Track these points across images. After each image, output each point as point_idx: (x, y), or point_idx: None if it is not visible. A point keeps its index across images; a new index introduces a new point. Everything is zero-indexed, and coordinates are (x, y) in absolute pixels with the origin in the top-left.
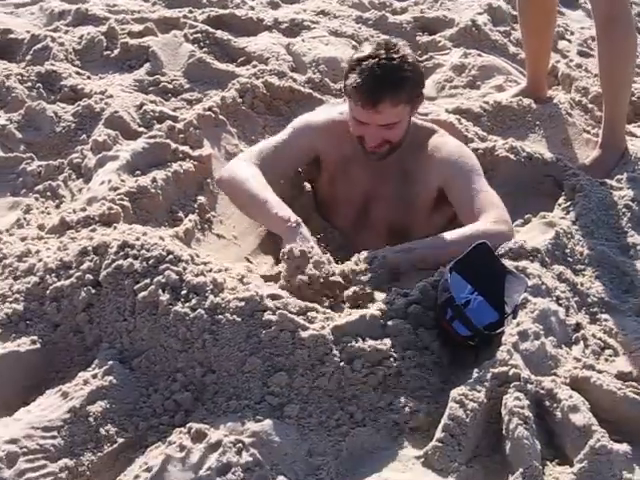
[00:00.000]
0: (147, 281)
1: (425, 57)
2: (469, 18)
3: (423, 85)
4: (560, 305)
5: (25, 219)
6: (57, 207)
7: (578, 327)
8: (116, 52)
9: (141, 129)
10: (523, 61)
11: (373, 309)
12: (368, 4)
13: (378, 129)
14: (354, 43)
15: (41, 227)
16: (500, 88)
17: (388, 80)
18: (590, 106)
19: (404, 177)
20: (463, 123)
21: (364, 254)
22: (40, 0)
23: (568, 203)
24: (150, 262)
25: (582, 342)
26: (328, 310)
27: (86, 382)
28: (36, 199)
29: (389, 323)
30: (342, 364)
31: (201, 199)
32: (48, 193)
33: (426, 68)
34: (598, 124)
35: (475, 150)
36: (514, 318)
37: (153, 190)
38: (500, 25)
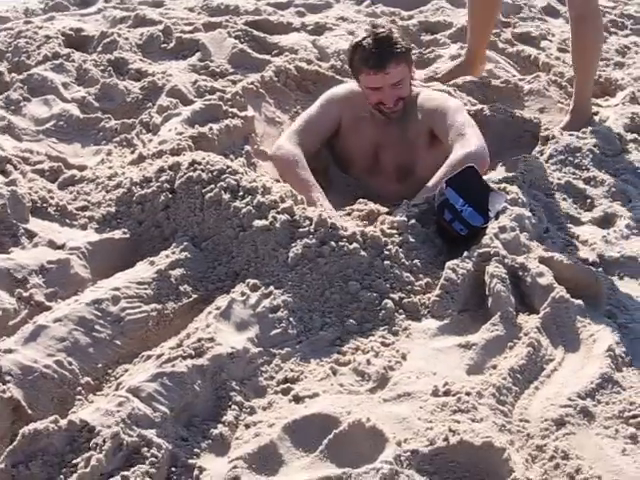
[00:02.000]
0: (212, 186)
1: (428, 51)
2: (466, 21)
3: (411, 49)
4: (533, 214)
5: (108, 159)
6: (132, 152)
7: (547, 230)
8: (172, 45)
9: (196, 99)
10: (510, 54)
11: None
12: (380, 12)
13: (391, 89)
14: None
15: (122, 166)
16: (490, 73)
17: (387, 46)
18: (564, 84)
19: (403, 126)
20: (458, 93)
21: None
22: (102, 10)
23: (542, 148)
24: (214, 173)
25: (550, 240)
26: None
27: (167, 256)
28: (115, 147)
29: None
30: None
31: (247, 147)
32: (124, 143)
33: (429, 59)
34: (570, 97)
35: (468, 112)
36: (496, 219)
37: (210, 136)
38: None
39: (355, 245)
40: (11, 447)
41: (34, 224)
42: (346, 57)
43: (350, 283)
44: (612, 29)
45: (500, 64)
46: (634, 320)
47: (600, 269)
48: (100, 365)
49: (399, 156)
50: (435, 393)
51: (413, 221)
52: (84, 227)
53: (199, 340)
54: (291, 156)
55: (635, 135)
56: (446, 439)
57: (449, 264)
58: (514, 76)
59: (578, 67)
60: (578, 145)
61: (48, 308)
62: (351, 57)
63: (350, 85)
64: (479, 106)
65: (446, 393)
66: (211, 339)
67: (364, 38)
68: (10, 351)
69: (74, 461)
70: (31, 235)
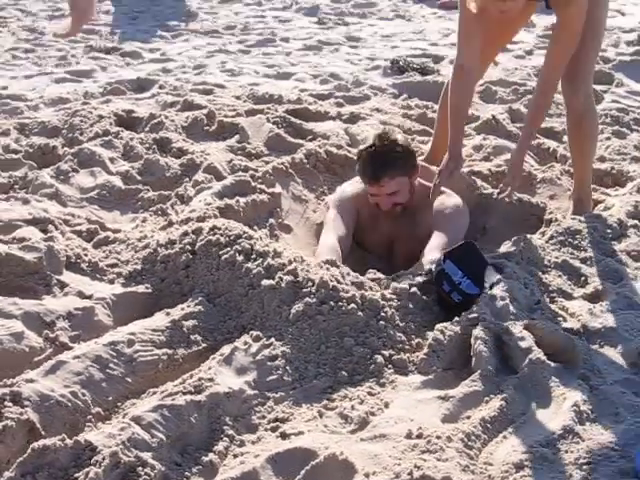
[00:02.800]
0: (228, 248)
1: None
2: (491, 114)
3: (415, 159)
4: (527, 287)
5: (142, 225)
6: (165, 220)
7: (538, 302)
8: (213, 127)
9: (230, 176)
10: (531, 146)
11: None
12: (414, 106)
13: (386, 197)
14: (398, 130)
15: (152, 230)
16: (509, 162)
17: (382, 162)
18: None
19: (415, 224)
20: (472, 179)
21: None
22: (156, 95)
23: (545, 230)
24: (231, 237)
25: (539, 311)
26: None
27: (182, 309)
28: (150, 215)
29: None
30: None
31: (271, 220)
32: (159, 212)
33: None
34: None
35: (480, 195)
36: (490, 290)
37: (236, 207)
38: (517, 122)
39: (353, 306)
40: (21, 459)
41: (67, 276)
42: None
43: (345, 339)
44: (634, 126)
45: None
46: (605, 383)
47: (582, 338)
48: (111, 398)
49: (411, 247)
50: (408, 436)
51: (414, 289)
52: (112, 281)
53: (200, 379)
54: (327, 244)
55: (636, 221)
56: (410, 473)
57: (438, 326)
58: (532, 166)
59: (577, 160)
60: (579, 228)
61: (71, 348)
62: (356, 163)
63: (358, 184)
64: (490, 190)
65: (418, 436)
66: (211, 379)
67: (366, 148)
68: (31, 381)
69: (76, 475)
70: (63, 286)
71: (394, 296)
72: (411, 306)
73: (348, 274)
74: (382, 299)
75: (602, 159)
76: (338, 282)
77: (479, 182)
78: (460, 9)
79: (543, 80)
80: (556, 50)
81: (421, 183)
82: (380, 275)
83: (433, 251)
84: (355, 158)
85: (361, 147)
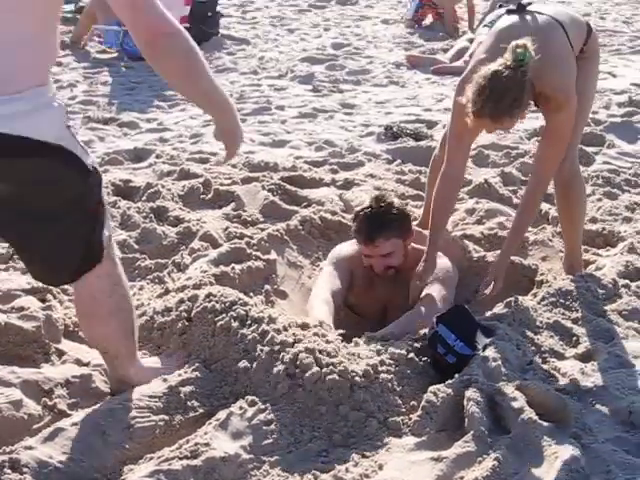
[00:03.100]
0: (224, 315)
1: None
2: (483, 178)
3: (410, 223)
4: (519, 349)
5: (139, 293)
6: (162, 288)
7: (530, 362)
8: (210, 196)
9: (226, 243)
10: None
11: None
12: (407, 171)
13: (380, 258)
14: (393, 195)
15: (149, 298)
16: (501, 225)
17: (378, 223)
18: None
19: (409, 283)
20: (465, 242)
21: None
22: (153, 164)
23: (537, 291)
24: (226, 304)
25: (532, 371)
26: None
27: (179, 375)
28: (147, 283)
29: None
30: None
31: (267, 286)
32: (156, 280)
33: None
34: None
35: (471, 258)
36: (483, 351)
37: (232, 275)
38: (509, 185)
39: (350, 375)
40: None
41: (65, 345)
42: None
43: (341, 407)
44: (625, 187)
45: (512, 217)
46: (597, 441)
47: (574, 397)
48: (109, 464)
49: (403, 310)
50: None
51: (412, 355)
52: None
53: (196, 444)
54: (318, 302)
55: (627, 281)
56: None
57: (431, 388)
58: None
59: (567, 227)
60: (570, 289)
61: (69, 415)
62: (352, 224)
63: (354, 246)
64: (482, 253)
65: None
66: (207, 444)
67: (363, 209)
68: (30, 448)
69: None
70: (61, 354)
71: (392, 361)
72: (408, 372)
73: (344, 343)
74: (380, 364)
75: (594, 220)
76: (334, 352)
77: (471, 245)
78: (454, 116)
79: (533, 187)
80: (547, 155)
81: (414, 247)
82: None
83: (423, 304)
84: (350, 223)
85: (358, 209)
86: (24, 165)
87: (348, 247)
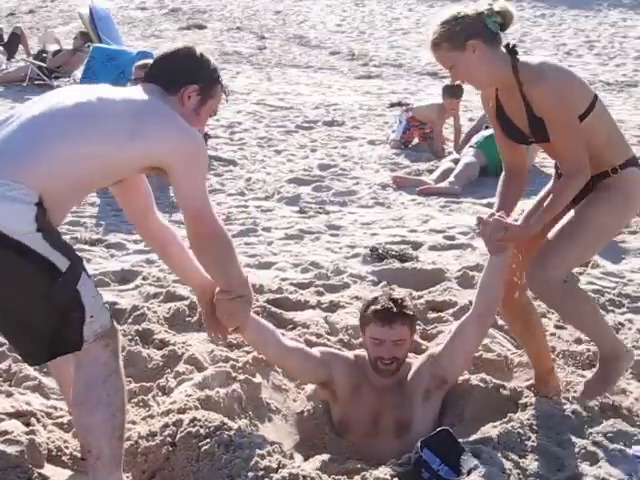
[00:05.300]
0: (208, 440)
1: (431, 327)
2: (469, 300)
3: (417, 318)
4: (504, 473)
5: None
6: (147, 412)
7: None
8: (195, 318)
9: (211, 366)
10: (508, 330)
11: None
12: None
13: (391, 345)
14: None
15: (134, 421)
16: (485, 347)
17: (398, 306)
18: (553, 357)
19: (400, 389)
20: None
21: None
22: (139, 286)
23: (520, 414)
24: (211, 429)
25: None
26: None
27: None
28: (132, 407)
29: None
30: None
31: (251, 411)
32: (141, 403)
33: (432, 334)
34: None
35: (456, 380)
36: (467, 476)
37: (216, 399)
38: None
39: None
40: None
41: (48, 469)
42: (360, 310)
43: None
44: (610, 307)
45: (496, 339)
46: None
47: None
48: None
49: (397, 416)
50: None
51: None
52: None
53: None
54: None
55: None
56: None
57: None
58: (509, 350)
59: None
60: (555, 411)
61: None
62: (365, 309)
63: (350, 353)
64: (467, 376)
65: None
66: None
67: (379, 296)
68: None
69: None
70: (44, 479)
71: None
72: None
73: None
74: None
75: (578, 341)
76: (317, 477)
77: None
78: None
79: (563, 182)
80: (561, 150)
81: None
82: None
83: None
84: (363, 306)
85: (370, 296)
86: None
87: (342, 354)
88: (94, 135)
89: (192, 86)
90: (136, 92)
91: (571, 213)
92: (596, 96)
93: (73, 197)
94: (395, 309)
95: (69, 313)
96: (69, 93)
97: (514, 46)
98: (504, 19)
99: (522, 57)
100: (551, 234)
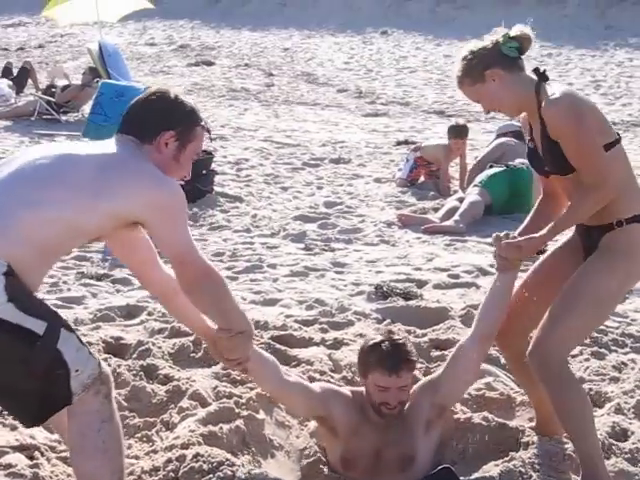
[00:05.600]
0: (210, 475)
1: (434, 365)
2: None
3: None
4: None
5: (129, 453)
6: (150, 447)
7: None
8: (200, 354)
9: (214, 402)
10: (510, 370)
11: None
12: (397, 330)
13: (397, 391)
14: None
15: (137, 456)
16: (488, 385)
17: (403, 353)
18: None
19: (401, 423)
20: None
21: None
22: (144, 321)
23: (522, 452)
24: (214, 464)
25: None
26: None
27: None
28: (135, 442)
29: None
30: None
31: (255, 447)
32: (144, 438)
33: (434, 372)
34: None
35: (457, 419)
36: None
37: (219, 435)
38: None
39: None
40: None
41: None
42: (359, 355)
43: None
44: (613, 347)
45: (499, 378)
46: None
47: None
48: None
49: (400, 451)
50: None
51: None
52: None
53: None
54: None
55: (614, 442)
56: None
57: None
58: (512, 389)
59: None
60: (557, 450)
61: None
62: (366, 356)
63: (347, 389)
64: (469, 414)
65: None
66: None
67: (382, 341)
68: None
69: None
70: None
71: None
72: None
73: None
74: None
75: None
76: None
77: (458, 406)
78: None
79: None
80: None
81: None
82: None
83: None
84: (363, 352)
85: (372, 342)
86: None
87: (342, 389)
88: (52, 199)
89: (168, 132)
90: (106, 146)
91: (573, 280)
92: (619, 138)
93: (44, 261)
94: (401, 356)
95: (53, 372)
96: (33, 154)
97: (544, 71)
98: (521, 43)
99: (550, 82)
100: (553, 306)
